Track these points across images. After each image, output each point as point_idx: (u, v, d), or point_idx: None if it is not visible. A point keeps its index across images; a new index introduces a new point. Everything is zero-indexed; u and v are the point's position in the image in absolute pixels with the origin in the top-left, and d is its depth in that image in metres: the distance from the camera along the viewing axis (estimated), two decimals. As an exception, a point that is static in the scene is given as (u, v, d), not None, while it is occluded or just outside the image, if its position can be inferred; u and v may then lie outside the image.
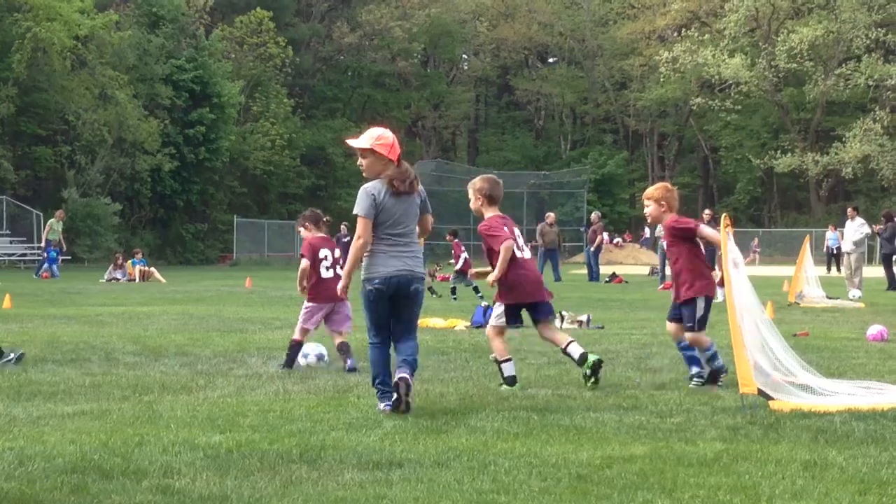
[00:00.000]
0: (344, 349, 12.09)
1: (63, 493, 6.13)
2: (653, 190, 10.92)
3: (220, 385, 10.61)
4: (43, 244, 41.16)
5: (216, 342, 15.02)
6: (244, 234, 67.08)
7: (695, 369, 10.60)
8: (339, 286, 9.37)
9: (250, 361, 12.64)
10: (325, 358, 12.50)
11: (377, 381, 9.06)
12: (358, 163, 9.05)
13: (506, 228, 10.65)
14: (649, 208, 10.90)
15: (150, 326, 17.71)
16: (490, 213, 10.74)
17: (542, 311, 10.60)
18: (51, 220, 41.61)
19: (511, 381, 10.38)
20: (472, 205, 10.83)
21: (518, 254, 10.52)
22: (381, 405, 8.90)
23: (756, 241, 69.75)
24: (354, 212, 8.83)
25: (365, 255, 8.93)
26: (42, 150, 57.40)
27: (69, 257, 43.12)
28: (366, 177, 8.99)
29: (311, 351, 12.54)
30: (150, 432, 7.98)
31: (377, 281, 8.87)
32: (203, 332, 16.55)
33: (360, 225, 8.82)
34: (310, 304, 12.38)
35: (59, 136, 58.98)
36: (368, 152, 8.90)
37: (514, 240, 10.56)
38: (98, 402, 9.44)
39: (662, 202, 10.72)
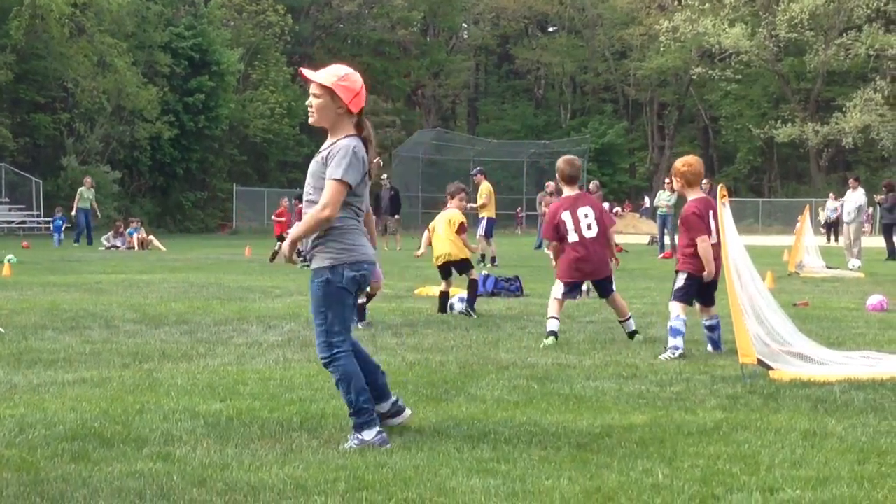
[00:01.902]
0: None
1: (64, 461, 6.14)
2: (676, 164, 10.94)
3: (220, 353, 10.63)
4: (73, 212, 41.11)
5: (216, 310, 15.04)
6: (244, 203, 67.01)
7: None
8: (286, 254, 6.84)
9: (250, 330, 12.65)
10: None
11: (362, 400, 6.72)
12: (307, 102, 7.00)
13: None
14: (675, 183, 11.12)
15: (150, 294, 17.72)
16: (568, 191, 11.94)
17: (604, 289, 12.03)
18: (80, 189, 41.52)
19: (552, 334, 11.52)
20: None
21: (576, 236, 11.68)
22: (374, 436, 6.63)
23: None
24: (338, 175, 6.60)
25: (333, 230, 6.72)
26: (41, 118, 57.24)
27: (69, 225, 43.04)
28: (312, 123, 7.03)
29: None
30: (151, 400, 8.00)
31: (365, 265, 6.80)
32: (203, 301, 16.56)
33: (336, 191, 6.60)
34: None
35: (57, 104, 58.84)
36: (326, 92, 6.86)
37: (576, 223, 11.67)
38: (98, 370, 9.46)
39: (679, 177, 10.81)
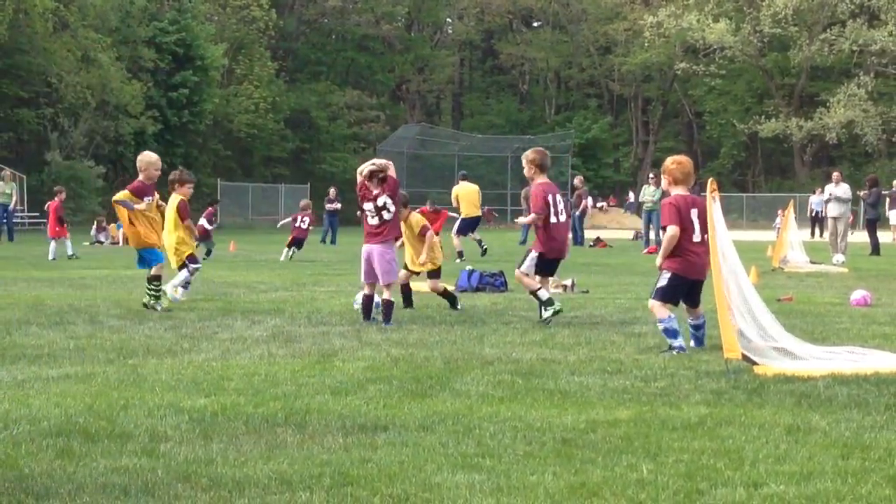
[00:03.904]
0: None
1: (48, 456, 6.13)
2: (667, 162, 10.94)
3: (204, 348, 10.61)
4: None
5: (201, 306, 15.01)
6: (228, 198, 66.84)
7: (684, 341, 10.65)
8: None
9: (235, 325, 12.63)
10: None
11: None
12: None
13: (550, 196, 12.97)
14: (663, 182, 11.13)
15: (135, 290, 17.66)
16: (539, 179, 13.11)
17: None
18: None
19: (549, 301, 12.85)
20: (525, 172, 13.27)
21: (555, 218, 12.97)
22: None
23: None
24: None
25: None
26: (24, 113, 57.04)
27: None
28: None
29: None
30: (135, 396, 7.98)
31: None
32: (187, 296, 16.52)
33: None
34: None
35: (41, 99, 58.61)
36: None
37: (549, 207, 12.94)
38: (83, 366, 9.43)
39: (668, 175, 10.76)
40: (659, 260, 10.65)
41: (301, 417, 7.21)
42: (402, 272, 14.48)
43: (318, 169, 72.77)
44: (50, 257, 27.44)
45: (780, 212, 46.05)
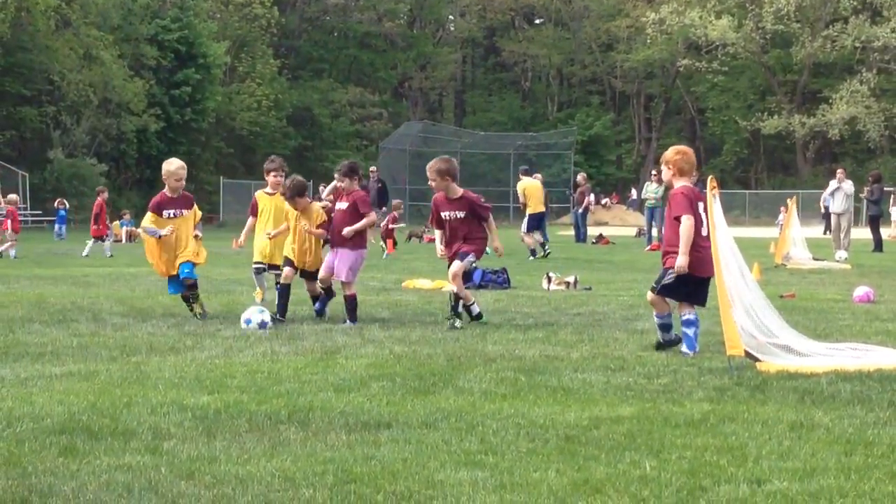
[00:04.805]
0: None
1: (52, 454, 6.13)
2: (667, 153, 10.47)
3: (207, 346, 10.61)
4: None
5: (204, 303, 14.99)
6: (231, 195, 66.87)
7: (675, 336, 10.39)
8: None
9: (238, 322, 12.62)
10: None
11: None
12: None
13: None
14: (664, 173, 10.55)
15: (137, 287, 17.69)
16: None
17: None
18: None
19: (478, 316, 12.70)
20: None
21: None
22: None
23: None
24: None
25: None
26: (27, 111, 57.09)
27: (52, 218, 43.07)
28: None
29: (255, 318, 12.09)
30: (139, 393, 7.99)
31: None
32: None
33: None
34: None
35: (44, 97, 58.69)
36: None
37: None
38: (86, 363, 9.43)
39: (670, 165, 10.29)
40: (682, 260, 9.88)
41: (304, 415, 7.21)
42: (288, 269, 13.31)
43: (321, 166, 72.66)
44: (83, 253, 27.84)
45: (782, 209, 45.92)
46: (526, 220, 29.00)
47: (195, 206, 13.96)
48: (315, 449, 6.30)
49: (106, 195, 31.55)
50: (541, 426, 6.89)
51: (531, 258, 26.66)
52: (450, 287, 12.74)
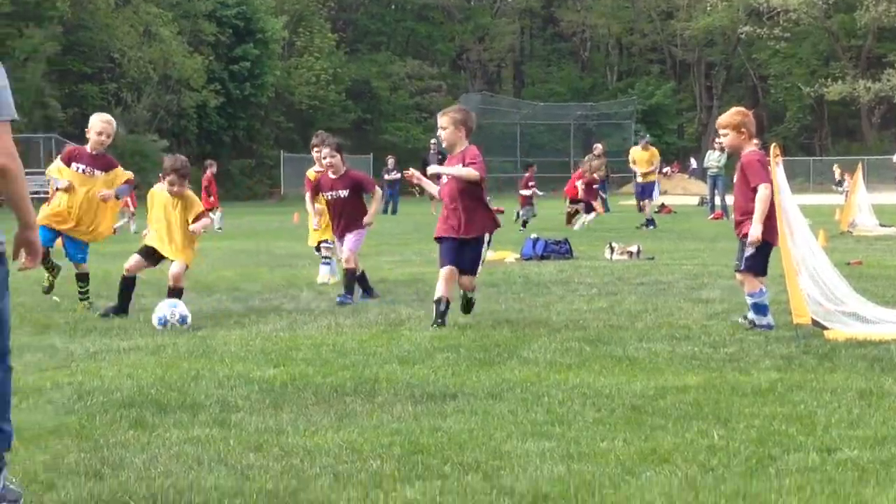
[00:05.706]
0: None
1: (122, 427, 6.20)
2: (727, 117, 9.98)
3: (271, 320, 10.68)
4: None
5: (266, 277, 15.12)
6: (291, 169, 67.00)
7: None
8: None
9: (300, 296, 12.70)
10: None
11: None
12: None
13: None
14: (727, 137, 9.93)
15: (201, 262, 17.78)
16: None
17: None
18: None
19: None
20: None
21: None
22: None
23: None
24: None
25: None
26: (88, 88, 57.58)
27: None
28: None
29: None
30: (205, 366, 8.06)
31: None
32: (253, 268, 16.65)
33: None
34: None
35: (104, 74, 59.13)
36: None
37: None
38: (153, 338, 9.53)
39: (742, 129, 9.78)
40: (757, 229, 9.38)
41: (370, 387, 7.24)
42: (136, 258, 11.99)
43: (380, 139, 72.74)
44: (216, 227, 28.36)
45: (847, 175, 45.33)
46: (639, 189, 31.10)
47: (117, 171, 12.74)
48: (381, 420, 6.32)
49: (214, 169, 31.86)
50: (607, 396, 6.87)
51: (649, 227, 27.41)
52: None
